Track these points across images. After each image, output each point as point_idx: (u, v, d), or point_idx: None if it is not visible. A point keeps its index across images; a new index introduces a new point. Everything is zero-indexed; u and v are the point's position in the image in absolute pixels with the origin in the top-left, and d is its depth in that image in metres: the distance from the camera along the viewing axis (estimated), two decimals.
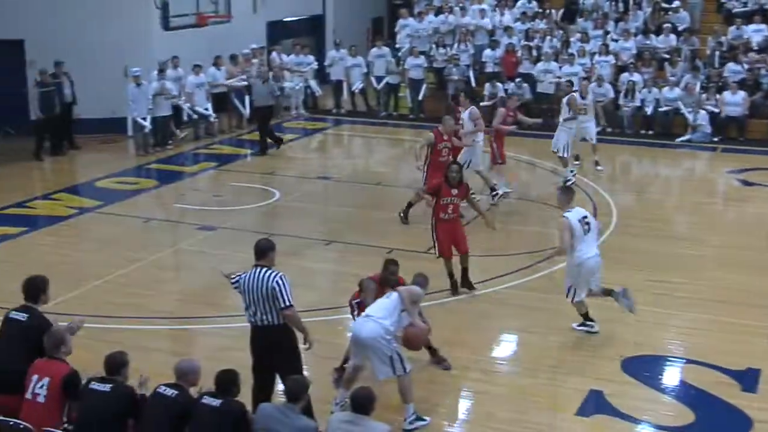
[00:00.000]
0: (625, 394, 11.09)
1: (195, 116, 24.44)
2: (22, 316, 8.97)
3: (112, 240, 16.91)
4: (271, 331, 9.58)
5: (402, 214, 17.39)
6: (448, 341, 12.42)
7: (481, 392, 11.25)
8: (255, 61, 26.02)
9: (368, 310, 10.36)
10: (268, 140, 23.53)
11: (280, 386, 9.73)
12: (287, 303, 9.40)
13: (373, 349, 10.07)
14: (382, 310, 10.23)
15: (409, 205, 17.33)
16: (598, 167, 21.13)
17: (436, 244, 14.03)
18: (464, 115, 18.15)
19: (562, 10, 28.77)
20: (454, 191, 13.93)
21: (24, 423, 8.44)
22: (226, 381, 8.37)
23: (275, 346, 9.61)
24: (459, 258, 14.11)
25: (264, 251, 9.78)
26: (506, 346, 12.89)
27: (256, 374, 9.78)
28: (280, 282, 9.42)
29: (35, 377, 8.55)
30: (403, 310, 10.31)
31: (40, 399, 8.46)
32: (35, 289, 9.23)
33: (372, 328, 10.04)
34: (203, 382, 8.71)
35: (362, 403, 8.26)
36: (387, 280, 11.15)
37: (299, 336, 9.74)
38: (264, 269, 9.59)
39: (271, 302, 9.44)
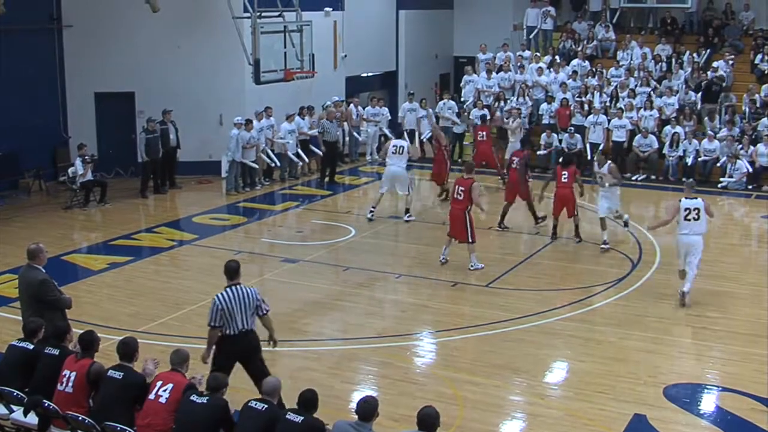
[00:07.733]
0: (666, 418, 10.96)
1: (274, 164, 24.64)
2: (118, 374, 9.15)
3: (206, 269, 17.04)
4: None
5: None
6: (507, 367, 12.43)
7: (536, 414, 11.16)
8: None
9: None
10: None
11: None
12: None
13: None
14: None
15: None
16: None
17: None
18: None
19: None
20: None
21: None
22: (308, 399, 8.44)
23: None
24: None
25: None
26: (559, 373, 12.75)
27: None
28: None
29: (160, 383, 8.90)
30: None
31: (162, 400, 8.79)
32: (130, 349, 9.38)
33: None
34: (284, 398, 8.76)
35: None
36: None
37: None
38: None
39: None
